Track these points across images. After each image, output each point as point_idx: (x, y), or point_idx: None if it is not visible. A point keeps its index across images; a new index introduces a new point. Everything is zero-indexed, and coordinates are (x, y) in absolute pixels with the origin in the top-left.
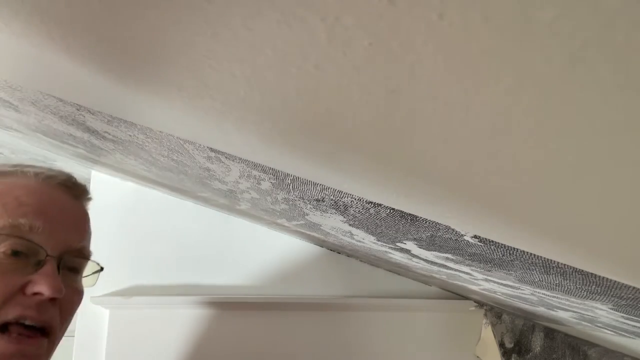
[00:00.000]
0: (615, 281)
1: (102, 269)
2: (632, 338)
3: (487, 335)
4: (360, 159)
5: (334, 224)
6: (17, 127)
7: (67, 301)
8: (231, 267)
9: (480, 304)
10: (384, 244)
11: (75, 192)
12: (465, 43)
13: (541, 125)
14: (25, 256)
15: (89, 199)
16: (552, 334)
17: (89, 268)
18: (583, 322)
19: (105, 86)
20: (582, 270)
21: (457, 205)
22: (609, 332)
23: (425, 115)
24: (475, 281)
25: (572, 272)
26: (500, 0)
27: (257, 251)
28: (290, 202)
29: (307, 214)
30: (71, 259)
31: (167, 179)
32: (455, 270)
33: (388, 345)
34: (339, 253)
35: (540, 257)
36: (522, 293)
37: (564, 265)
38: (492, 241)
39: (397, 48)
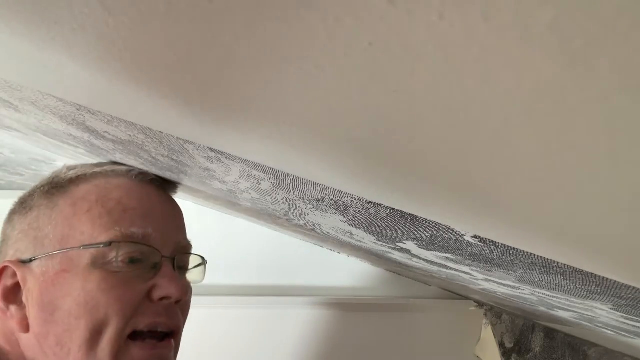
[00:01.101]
0: (615, 281)
1: (205, 261)
2: (632, 338)
3: (487, 335)
4: (360, 159)
5: (334, 224)
6: (17, 127)
7: (185, 300)
8: (230, 267)
9: (480, 304)
10: (384, 244)
11: (167, 187)
12: (465, 43)
13: (541, 125)
14: (143, 261)
15: (176, 193)
16: (552, 334)
17: (191, 262)
18: (583, 322)
19: (106, 87)
20: (582, 270)
21: (457, 205)
22: (609, 332)
23: (425, 115)
24: (475, 281)
25: (572, 272)
26: (500, 0)
27: (257, 251)
28: (290, 202)
29: (307, 214)
30: (182, 257)
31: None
32: (455, 270)
33: (388, 345)
34: (339, 253)
35: (540, 257)
36: (522, 293)
37: (564, 265)
38: (492, 241)
39: (397, 48)
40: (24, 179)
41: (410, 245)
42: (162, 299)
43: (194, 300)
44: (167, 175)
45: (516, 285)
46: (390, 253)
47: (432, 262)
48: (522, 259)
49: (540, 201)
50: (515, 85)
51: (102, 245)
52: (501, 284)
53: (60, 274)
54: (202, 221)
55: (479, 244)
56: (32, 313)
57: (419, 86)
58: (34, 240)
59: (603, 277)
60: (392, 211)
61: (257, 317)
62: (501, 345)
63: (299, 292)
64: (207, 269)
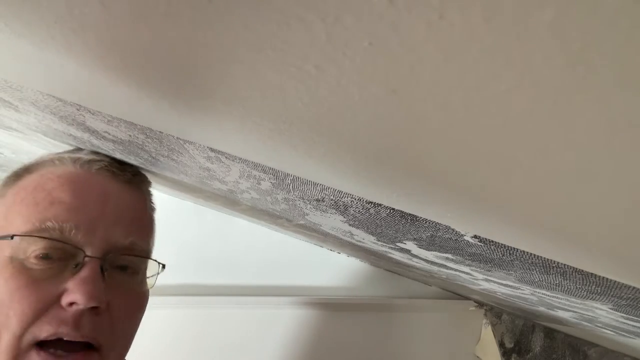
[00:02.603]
0: (615, 281)
1: (163, 267)
2: (632, 338)
3: (487, 335)
4: (360, 159)
5: (334, 224)
6: (17, 127)
7: (119, 308)
8: (231, 267)
9: (480, 304)
10: (384, 244)
11: (124, 177)
12: (466, 43)
13: (541, 125)
14: (60, 259)
15: (146, 182)
16: (552, 334)
17: (150, 268)
18: (583, 322)
19: (106, 86)
20: (582, 270)
21: (457, 205)
22: (609, 332)
23: (425, 115)
24: (475, 281)
25: (572, 272)
26: (500, 0)
27: (257, 251)
28: (290, 202)
29: (307, 214)
30: (120, 258)
31: (167, 179)
32: (455, 270)
33: (388, 345)
34: (339, 253)
35: (540, 257)
36: (522, 293)
37: (564, 265)
38: (492, 241)
39: (397, 48)
40: None
41: (410, 245)
42: (70, 304)
43: (193, 300)
44: (168, 175)
45: (516, 285)
46: (390, 253)
47: (432, 262)
48: (522, 259)
49: (540, 201)
50: (515, 85)
51: (9, 237)
52: (501, 284)
53: None
54: (201, 221)
55: (479, 244)
56: None
57: (418, 86)
58: None
59: (603, 277)
60: (392, 211)
61: (256, 317)
62: (501, 345)
63: (298, 292)
64: (211, 270)
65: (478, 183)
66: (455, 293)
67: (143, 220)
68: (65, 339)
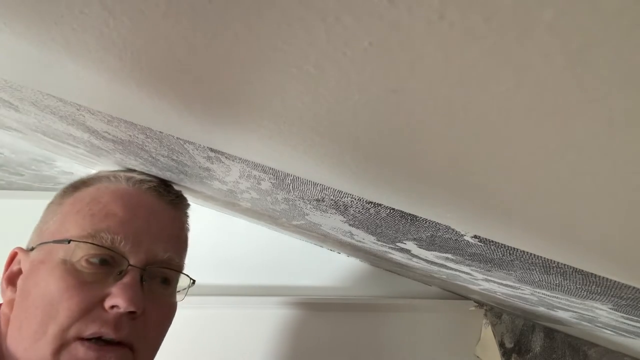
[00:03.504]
0: (615, 281)
1: (193, 282)
2: (632, 338)
3: (487, 335)
4: (360, 159)
5: (334, 224)
6: (17, 127)
7: (153, 315)
8: (229, 267)
9: (480, 304)
10: (384, 244)
11: (168, 198)
12: (466, 43)
13: (541, 125)
14: (107, 266)
15: (186, 205)
16: (552, 334)
17: (181, 281)
18: (583, 322)
19: (106, 86)
20: (582, 270)
21: (457, 206)
22: (609, 332)
23: (425, 115)
24: (475, 281)
25: (572, 272)
26: (500, 0)
27: (257, 251)
28: (290, 202)
29: (307, 214)
30: (157, 270)
31: (167, 179)
32: (455, 270)
33: (388, 345)
34: (339, 253)
35: (540, 257)
36: (522, 293)
37: (564, 265)
38: (492, 241)
39: (397, 48)
40: (24, 179)
41: (410, 245)
42: (112, 307)
43: (196, 300)
44: (168, 176)
45: (516, 285)
46: (390, 253)
47: (432, 262)
48: (522, 259)
49: (540, 201)
50: (515, 85)
51: (66, 242)
52: (501, 284)
53: (39, 264)
54: (201, 221)
55: (479, 244)
56: (17, 296)
57: (419, 86)
58: (39, 232)
59: (603, 277)
60: (392, 211)
61: (256, 318)
62: (501, 345)
63: (297, 292)
64: (211, 270)
65: (478, 183)
66: (455, 293)
67: (180, 238)
68: (104, 337)
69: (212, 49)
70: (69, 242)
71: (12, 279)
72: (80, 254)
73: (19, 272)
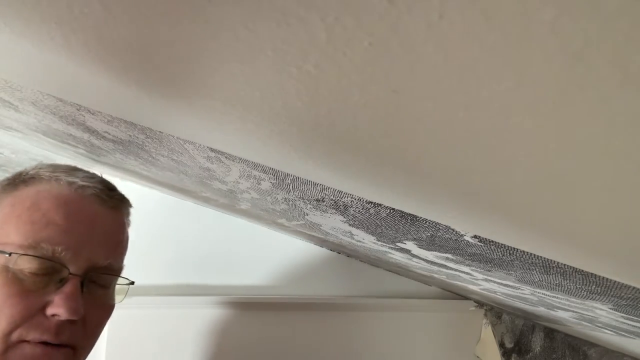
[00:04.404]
0: (615, 281)
1: (132, 283)
2: (632, 338)
3: (487, 335)
4: (360, 159)
5: (334, 224)
6: (17, 127)
7: (92, 317)
8: (231, 267)
9: (480, 304)
10: (384, 244)
11: (110, 203)
12: (466, 43)
13: (541, 125)
14: (48, 274)
15: (128, 205)
16: (552, 334)
17: (120, 282)
18: (583, 322)
19: (106, 87)
20: (582, 270)
21: (457, 205)
22: (609, 332)
23: (425, 115)
24: (475, 281)
25: (572, 272)
26: (500, 0)
27: (258, 251)
28: (290, 202)
29: (307, 214)
30: (97, 276)
31: (167, 179)
32: (455, 270)
33: (388, 345)
34: (339, 253)
35: (540, 257)
36: (522, 293)
37: (564, 265)
38: (492, 241)
39: (397, 48)
40: None
41: (410, 245)
42: (53, 315)
43: (193, 300)
44: (168, 176)
45: (516, 285)
46: (390, 253)
47: (432, 262)
48: (522, 259)
49: (540, 201)
50: (515, 85)
51: (7, 254)
52: (501, 284)
53: None
54: (202, 221)
55: (479, 244)
56: None
57: (419, 86)
58: None
59: (603, 277)
60: (392, 211)
61: (255, 318)
62: (501, 345)
63: (297, 292)
64: (202, 270)
65: (478, 183)
66: (455, 293)
67: (122, 243)
68: (47, 342)
69: (212, 50)
70: (9, 254)
71: None
72: (21, 264)
73: None
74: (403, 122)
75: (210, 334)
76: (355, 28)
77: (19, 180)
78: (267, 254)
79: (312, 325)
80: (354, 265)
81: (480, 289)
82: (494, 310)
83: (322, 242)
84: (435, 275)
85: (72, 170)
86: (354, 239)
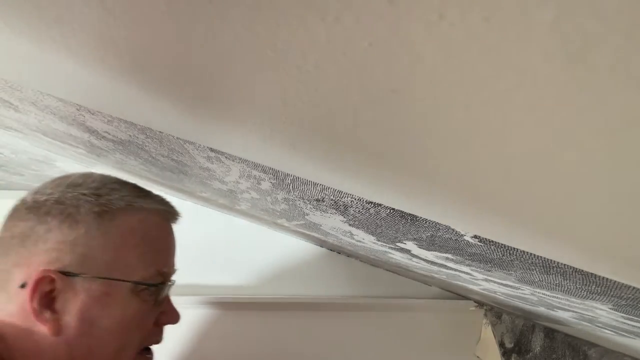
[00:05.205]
0: (615, 281)
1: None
2: (632, 338)
3: (487, 335)
4: (360, 159)
5: (334, 224)
6: (17, 127)
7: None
8: (231, 267)
9: (480, 304)
10: (384, 244)
11: (174, 220)
12: (466, 43)
13: (541, 125)
14: (164, 293)
15: None
16: (552, 334)
17: None
18: (583, 322)
19: (104, 85)
20: (582, 270)
21: (457, 205)
22: (609, 332)
23: (425, 115)
24: (475, 281)
25: (572, 272)
26: (500, 0)
27: (257, 251)
28: (290, 202)
29: (307, 214)
30: None
31: (167, 179)
32: (455, 270)
33: (388, 345)
34: (339, 253)
35: (540, 257)
36: (522, 293)
37: (564, 265)
38: (492, 241)
39: (397, 48)
40: (24, 179)
41: (410, 245)
42: (164, 324)
43: (193, 300)
44: (167, 176)
45: (516, 285)
46: (390, 253)
47: (432, 262)
48: (522, 259)
49: (540, 201)
50: (515, 85)
51: (135, 284)
52: (501, 284)
53: (104, 297)
54: (202, 221)
55: (479, 244)
56: (68, 321)
57: (419, 86)
58: (82, 258)
59: (603, 277)
60: (392, 211)
61: (255, 318)
62: (501, 345)
63: (297, 292)
64: (201, 270)
65: (478, 183)
66: (455, 293)
67: None
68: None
69: (212, 50)
70: (137, 283)
71: (43, 301)
72: (145, 290)
73: (50, 292)
74: (403, 122)
75: (209, 334)
76: (355, 28)
77: (115, 209)
78: (267, 254)
79: (311, 326)
80: (354, 265)
81: (480, 289)
82: (494, 310)
83: (322, 242)
84: (435, 275)
85: (147, 195)
86: (354, 239)
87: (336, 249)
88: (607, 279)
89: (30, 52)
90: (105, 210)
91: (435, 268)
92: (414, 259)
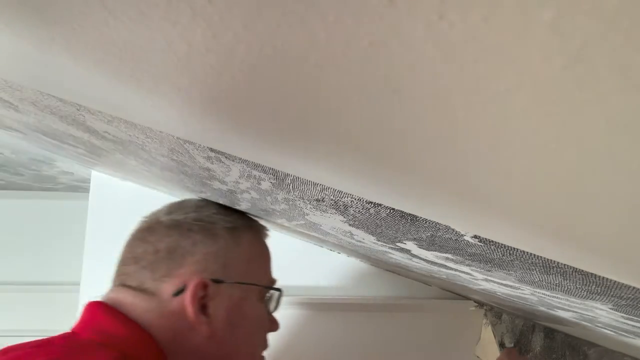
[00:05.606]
0: (615, 281)
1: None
2: (632, 338)
3: (487, 335)
4: (360, 159)
5: (334, 224)
6: (17, 127)
7: None
8: None
9: (480, 304)
10: (384, 244)
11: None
12: (466, 43)
13: (541, 125)
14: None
15: None
16: (552, 334)
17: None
18: (583, 322)
19: (105, 85)
20: (582, 270)
21: (457, 205)
22: (609, 332)
23: (425, 115)
24: (475, 281)
25: (572, 272)
26: (500, 0)
27: None
28: (290, 202)
29: (307, 214)
30: None
31: (167, 179)
32: (455, 270)
33: (388, 345)
34: (339, 253)
35: (540, 257)
36: (522, 293)
37: (564, 265)
38: (492, 241)
39: (397, 48)
40: (24, 179)
41: (410, 245)
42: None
43: None
44: (167, 176)
45: (516, 285)
46: (390, 253)
47: (432, 262)
48: (522, 259)
49: (540, 201)
50: (515, 85)
51: (266, 289)
52: (501, 284)
53: (242, 301)
54: None
55: (479, 244)
56: (218, 324)
57: (419, 86)
58: (223, 267)
59: (603, 277)
60: (392, 211)
61: None
62: (501, 345)
63: (297, 292)
64: None
65: (478, 183)
66: (455, 293)
67: None
68: None
69: (212, 49)
70: (268, 290)
71: (201, 308)
72: (266, 294)
73: (203, 299)
74: (403, 122)
75: None
76: (355, 28)
77: (241, 225)
78: None
79: (311, 326)
80: (353, 265)
81: (480, 289)
82: (494, 310)
83: (321, 242)
84: (435, 275)
85: (249, 217)
86: (354, 239)
87: (336, 249)
88: (607, 279)
89: (31, 52)
90: (235, 226)
91: (435, 268)
92: (414, 259)
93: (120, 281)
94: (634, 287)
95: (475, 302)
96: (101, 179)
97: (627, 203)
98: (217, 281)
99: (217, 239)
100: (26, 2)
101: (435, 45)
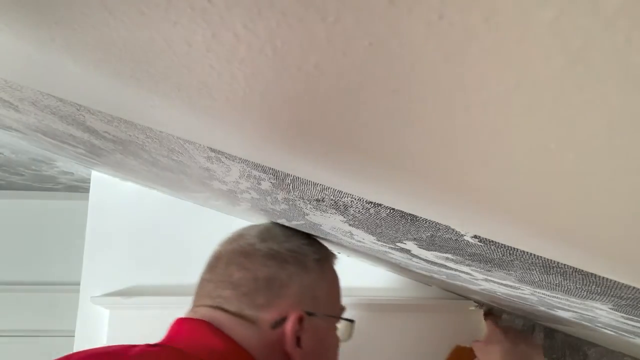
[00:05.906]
0: (615, 281)
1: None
2: (632, 338)
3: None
4: (360, 159)
5: (334, 224)
6: (17, 127)
7: None
8: None
9: (480, 304)
10: (384, 244)
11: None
12: (466, 43)
13: (541, 125)
14: None
15: None
16: (552, 333)
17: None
18: (583, 322)
19: (105, 85)
20: (582, 270)
21: (457, 205)
22: (609, 332)
23: (425, 115)
24: (475, 281)
25: (572, 272)
26: (500, 0)
27: None
28: (290, 202)
29: (307, 214)
30: None
31: (167, 179)
32: (455, 270)
33: (388, 345)
34: (339, 253)
35: (540, 257)
36: (522, 293)
37: (564, 265)
38: (492, 241)
39: (397, 48)
40: (24, 179)
41: (410, 245)
42: None
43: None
44: (167, 176)
45: (516, 285)
46: (390, 253)
47: (432, 262)
48: (522, 259)
49: (540, 201)
50: (515, 85)
51: (339, 319)
52: (501, 284)
53: (325, 332)
54: (202, 221)
55: (479, 244)
56: (306, 356)
57: (419, 86)
58: (314, 300)
59: (603, 277)
60: (392, 211)
61: None
62: None
63: None
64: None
65: (478, 183)
66: (456, 293)
67: None
68: None
69: (211, 48)
70: (340, 320)
71: (297, 340)
72: (339, 326)
73: (298, 332)
74: (403, 122)
75: None
76: (355, 28)
77: (323, 259)
78: None
79: None
80: (353, 265)
81: (480, 289)
82: (494, 311)
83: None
84: (435, 275)
85: (325, 246)
86: (354, 239)
87: (336, 249)
88: (607, 279)
89: (31, 52)
90: (320, 257)
91: (435, 268)
92: (414, 259)
93: (217, 304)
94: (634, 287)
95: (475, 302)
96: (101, 179)
97: (627, 203)
98: (309, 314)
99: (308, 271)
100: (26, 3)
101: (435, 45)
